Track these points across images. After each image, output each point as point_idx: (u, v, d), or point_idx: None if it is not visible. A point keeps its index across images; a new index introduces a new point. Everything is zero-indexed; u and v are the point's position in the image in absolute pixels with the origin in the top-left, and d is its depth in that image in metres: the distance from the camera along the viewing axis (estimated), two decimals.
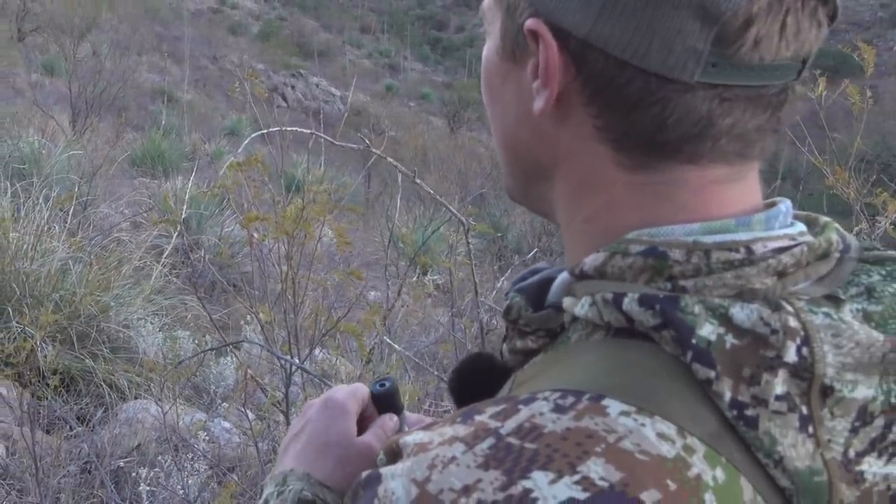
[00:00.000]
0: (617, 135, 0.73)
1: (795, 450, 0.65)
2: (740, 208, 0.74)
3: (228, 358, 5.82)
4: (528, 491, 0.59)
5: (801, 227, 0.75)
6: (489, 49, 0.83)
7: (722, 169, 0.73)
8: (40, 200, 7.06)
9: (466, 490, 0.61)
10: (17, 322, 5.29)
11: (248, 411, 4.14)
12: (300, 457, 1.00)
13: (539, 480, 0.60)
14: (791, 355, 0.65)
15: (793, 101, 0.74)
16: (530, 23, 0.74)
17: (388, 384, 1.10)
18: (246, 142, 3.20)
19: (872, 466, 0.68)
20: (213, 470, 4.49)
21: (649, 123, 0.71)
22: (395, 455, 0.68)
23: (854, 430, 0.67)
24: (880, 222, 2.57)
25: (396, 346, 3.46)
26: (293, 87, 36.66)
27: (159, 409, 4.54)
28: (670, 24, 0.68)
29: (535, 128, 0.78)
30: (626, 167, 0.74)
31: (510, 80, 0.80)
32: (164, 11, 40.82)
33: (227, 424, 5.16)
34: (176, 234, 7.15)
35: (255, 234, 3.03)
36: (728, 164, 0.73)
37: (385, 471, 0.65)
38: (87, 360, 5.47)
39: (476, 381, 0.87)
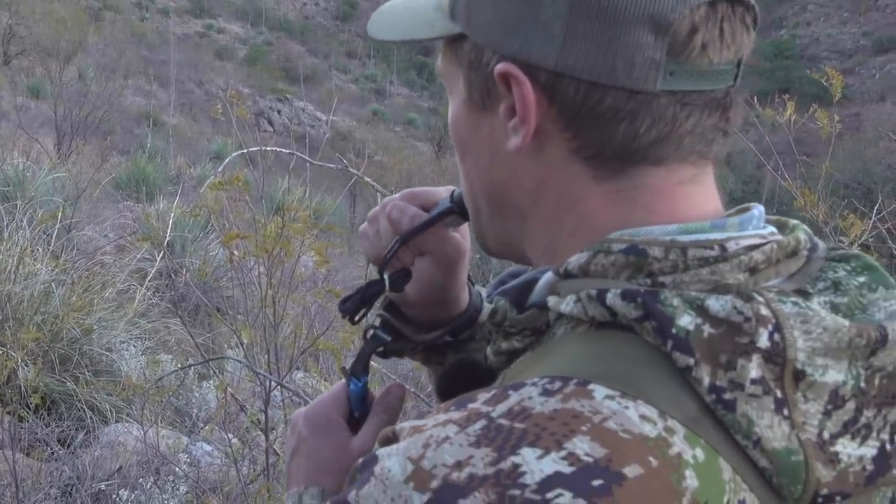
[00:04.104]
0: (591, 151, 0.79)
1: (772, 431, 0.68)
2: (704, 210, 0.80)
3: (210, 381, 5.81)
4: (516, 465, 0.64)
5: (771, 228, 0.81)
6: (455, 106, 0.89)
7: (687, 170, 0.80)
8: (24, 223, 7.05)
9: (459, 465, 0.65)
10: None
11: (228, 433, 4.13)
12: (308, 475, 1.02)
13: (527, 456, 0.64)
14: (764, 341, 0.69)
15: (737, 103, 0.81)
16: (501, 67, 0.79)
17: (363, 379, 1.07)
18: (227, 161, 3.23)
19: (847, 448, 0.71)
20: (194, 492, 4.48)
21: (622, 135, 0.77)
22: (390, 441, 0.71)
23: (827, 413, 0.70)
24: (845, 243, 2.60)
25: (377, 364, 3.48)
26: (279, 112, 36.75)
27: (141, 432, 4.53)
28: (628, 40, 0.75)
29: (510, 165, 0.84)
30: (600, 179, 0.80)
31: (481, 128, 0.85)
32: (151, 35, 40.94)
33: (208, 447, 5.15)
34: (160, 257, 7.15)
35: (235, 253, 3.05)
36: (691, 164, 0.80)
37: (381, 451, 0.69)
38: (68, 383, 5.45)
39: (462, 384, 0.90)
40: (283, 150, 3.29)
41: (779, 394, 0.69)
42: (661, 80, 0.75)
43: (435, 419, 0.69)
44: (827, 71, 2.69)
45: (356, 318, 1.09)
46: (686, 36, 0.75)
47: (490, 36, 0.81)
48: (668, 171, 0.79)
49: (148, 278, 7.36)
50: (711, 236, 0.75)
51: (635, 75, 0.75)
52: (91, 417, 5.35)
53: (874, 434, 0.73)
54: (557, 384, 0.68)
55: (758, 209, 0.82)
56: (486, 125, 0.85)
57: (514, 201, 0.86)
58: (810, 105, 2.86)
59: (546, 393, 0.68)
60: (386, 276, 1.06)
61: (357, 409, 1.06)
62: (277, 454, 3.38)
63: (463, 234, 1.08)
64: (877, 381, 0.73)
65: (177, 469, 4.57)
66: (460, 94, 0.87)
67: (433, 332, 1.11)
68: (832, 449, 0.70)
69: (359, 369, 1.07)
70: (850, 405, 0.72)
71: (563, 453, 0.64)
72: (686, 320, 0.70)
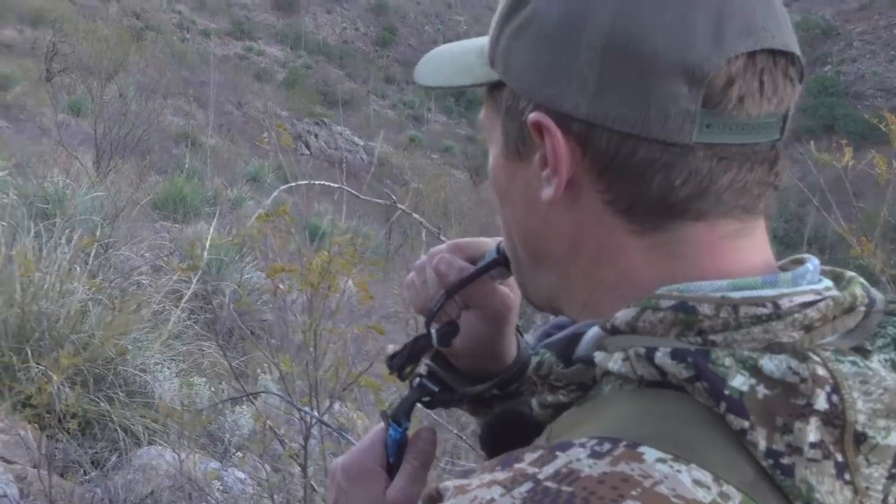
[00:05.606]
0: (627, 204, 0.77)
1: (833, 497, 0.66)
2: (751, 264, 0.77)
3: (244, 406, 5.79)
4: None
5: (827, 282, 0.77)
6: (494, 156, 0.87)
7: (731, 225, 0.77)
8: (62, 241, 7.09)
9: None
10: (36, 363, 5.28)
11: (264, 464, 4.11)
12: None
13: None
14: (821, 403, 0.67)
15: (784, 157, 0.79)
16: (533, 116, 0.78)
17: (404, 425, 1.05)
18: (275, 194, 3.23)
19: None
20: None
21: (657, 188, 0.75)
22: (433, 501, 0.69)
23: (892, 478, 0.68)
24: None
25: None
26: (316, 136, 36.99)
27: (174, 457, 4.51)
28: (662, 91, 0.73)
29: (545, 216, 0.82)
30: (638, 233, 0.78)
31: (517, 177, 0.84)
32: (191, 56, 41.38)
33: (240, 475, 5.12)
34: (196, 279, 7.16)
35: (281, 286, 3.03)
36: (735, 219, 0.77)
37: None
38: (102, 404, 5.45)
39: (508, 436, 0.89)
40: (332, 185, 3.28)
41: (839, 458, 0.67)
42: (696, 132, 0.73)
43: (480, 479, 0.67)
44: (886, 115, 2.64)
45: (404, 374, 1.08)
46: (722, 88, 0.73)
47: (525, 83, 0.80)
48: (710, 225, 0.76)
49: (184, 300, 7.36)
50: (764, 293, 0.72)
51: (669, 127, 0.73)
52: (124, 439, 5.35)
53: None
54: (606, 446, 0.66)
55: (812, 263, 0.79)
56: (521, 174, 0.84)
57: (550, 253, 0.84)
58: (856, 143, 2.80)
59: (595, 455, 0.66)
60: (433, 331, 1.04)
61: (393, 455, 1.04)
62: (315, 489, 3.35)
63: (512, 287, 1.05)
64: None
65: (210, 496, 4.54)
66: (498, 143, 0.86)
67: (480, 383, 1.09)
68: None
69: (401, 416, 1.05)
70: None
71: None
72: (739, 381, 0.68)
